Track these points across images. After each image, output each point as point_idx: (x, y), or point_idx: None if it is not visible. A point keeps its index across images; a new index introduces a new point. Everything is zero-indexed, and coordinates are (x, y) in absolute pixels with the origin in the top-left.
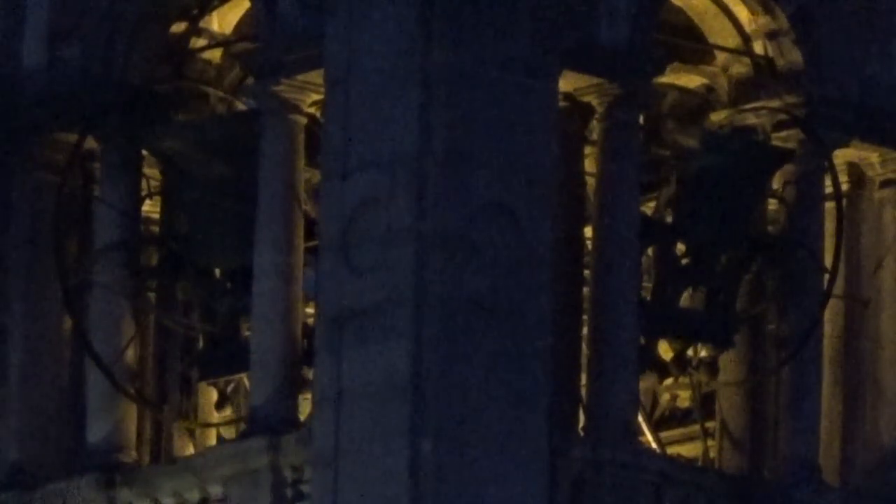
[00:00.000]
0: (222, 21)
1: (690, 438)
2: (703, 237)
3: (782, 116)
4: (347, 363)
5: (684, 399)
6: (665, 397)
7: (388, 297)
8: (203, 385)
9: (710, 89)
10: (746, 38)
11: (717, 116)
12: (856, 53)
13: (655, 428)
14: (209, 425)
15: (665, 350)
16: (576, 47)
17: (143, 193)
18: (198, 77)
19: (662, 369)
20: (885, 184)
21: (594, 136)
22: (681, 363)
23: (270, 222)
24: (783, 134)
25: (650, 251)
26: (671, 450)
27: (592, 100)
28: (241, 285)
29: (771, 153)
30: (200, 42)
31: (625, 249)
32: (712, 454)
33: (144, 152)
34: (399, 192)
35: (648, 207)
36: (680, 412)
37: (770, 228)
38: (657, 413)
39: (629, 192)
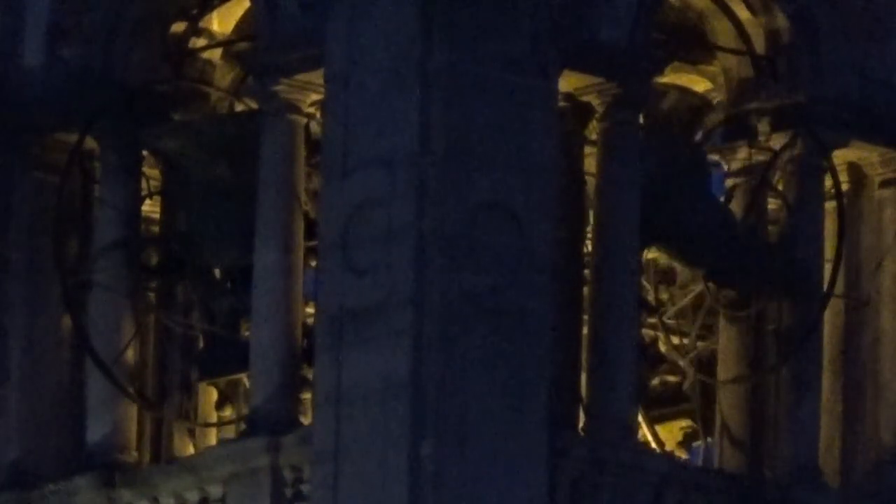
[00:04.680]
0: (222, 21)
1: (678, 415)
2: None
3: (782, 116)
4: (347, 363)
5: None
6: (654, 381)
7: (388, 297)
8: (203, 385)
9: (710, 89)
10: (747, 39)
11: (717, 116)
12: (856, 53)
13: (645, 409)
14: (209, 425)
15: (661, 341)
16: (576, 47)
17: (143, 193)
18: (198, 77)
19: (654, 359)
20: (885, 184)
21: (594, 136)
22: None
23: (270, 222)
24: (783, 134)
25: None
26: (659, 427)
27: (592, 100)
28: (241, 285)
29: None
30: (200, 42)
31: (625, 249)
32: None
33: (144, 152)
34: (399, 191)
35: None
36: (669, 390)
37: (770, 228)
38: (646, 394)
39: (629, 192)
